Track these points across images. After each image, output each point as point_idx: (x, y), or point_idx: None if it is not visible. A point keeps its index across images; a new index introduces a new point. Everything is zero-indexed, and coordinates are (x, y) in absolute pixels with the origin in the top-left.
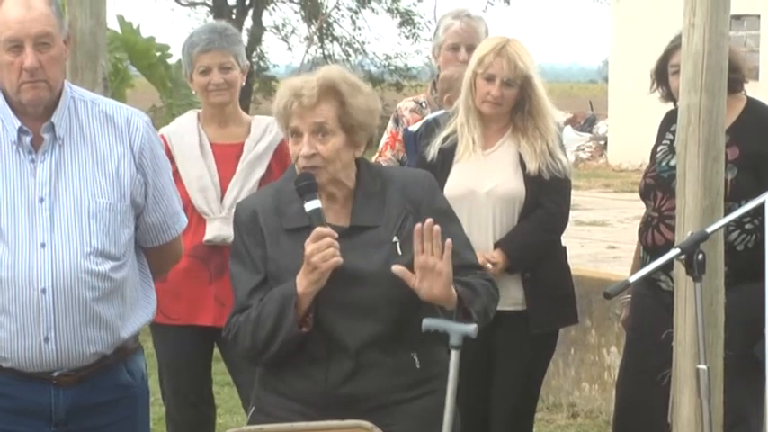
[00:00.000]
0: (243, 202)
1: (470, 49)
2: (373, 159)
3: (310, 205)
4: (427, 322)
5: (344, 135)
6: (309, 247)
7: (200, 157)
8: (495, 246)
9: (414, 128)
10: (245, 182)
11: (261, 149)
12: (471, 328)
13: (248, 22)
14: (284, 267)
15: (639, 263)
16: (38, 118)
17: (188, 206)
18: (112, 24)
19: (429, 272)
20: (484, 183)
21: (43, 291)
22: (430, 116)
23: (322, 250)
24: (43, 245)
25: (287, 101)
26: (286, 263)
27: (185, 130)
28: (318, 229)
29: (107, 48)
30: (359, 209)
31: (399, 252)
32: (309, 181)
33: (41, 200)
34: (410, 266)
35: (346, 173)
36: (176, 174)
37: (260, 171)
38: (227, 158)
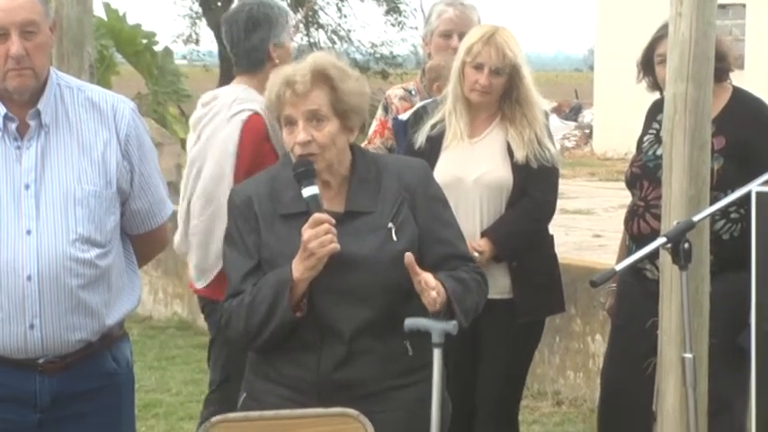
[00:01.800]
0: (238, 187)
1: (463, 36)
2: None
3: (308, 191)
4: (409, 322)
5: (338, 120)
6: (307, 232)
7: None
8: (483, 234)
9: (404, 116)
10: None
11: None
12: (451, 325)
13: None
14: (278, 253)
15: (625, 251)
16: (24, 105)
17: None
18: (98, 11)
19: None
20: (471, 171)
21: (29, 278)
22: (420, 104)
23: (320, 236)
24: (29, 232)
25: (279, 89)
26: (280, 248)
27: None
28: (316, 215)
29: (93, 35)
30: (354, 194)
31: (394, 238)
32: (307, 167)
33: (27, 187)
34: (404, 253)
35: (341, 159)
36: (273, 150)
37: None
38: None
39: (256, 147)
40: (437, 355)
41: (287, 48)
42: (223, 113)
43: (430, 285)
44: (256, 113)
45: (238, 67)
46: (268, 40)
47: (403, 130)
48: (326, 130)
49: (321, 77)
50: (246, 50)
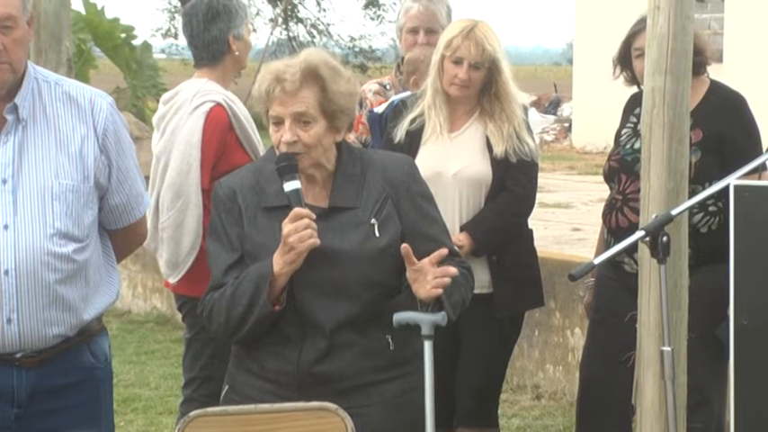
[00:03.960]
0: (223, 180)
1: (429, 31)
2: None
3: (289, 186)
4: (398, 316)
5: (326, 121)
6: (287, 227)
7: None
8: (462, 229)
9: (379, 110)
10: None
11: None
12: (440, 316)
13: None
14: (260, 246)
15: (604, 245)
16: (1, 99)
17: None
18: (76, 5)
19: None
20: (451, 165)
21: (6, 273)
22: (395, 98)
23: (299, 231)
24: (6, 227)
25: (269, 85)
26: (262, 241)
27: (234, 99)
28: (296, 210)
29: (71, 29)
30: (338, 190)
31: (377, 234)
32: (289, 161)
33: (4, 181)
34: (387, 249)
35: (328, 156)
36: (238, 141)
37: None
38: None
39: (220, 137)
40: (428, 347)
41: (246, 41)
42: (185, 107)
43: (434, 259)
44: (218, 104)
45: (199, 60)
46: (227, 32)
47: (378, 124)
48: (313, 130)
49: (311, 76)
50: (206, 42)
